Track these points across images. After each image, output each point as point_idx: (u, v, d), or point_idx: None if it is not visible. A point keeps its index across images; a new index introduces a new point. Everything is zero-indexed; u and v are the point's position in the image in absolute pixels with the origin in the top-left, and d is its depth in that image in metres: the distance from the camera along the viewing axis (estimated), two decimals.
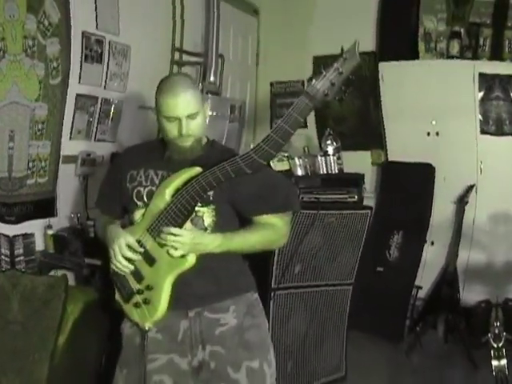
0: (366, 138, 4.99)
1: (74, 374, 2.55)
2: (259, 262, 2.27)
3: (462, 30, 4.45)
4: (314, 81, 1.71)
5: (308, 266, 3.49)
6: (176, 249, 1.88)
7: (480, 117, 4.35)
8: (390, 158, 4.85)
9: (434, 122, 4.51)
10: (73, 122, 3.58)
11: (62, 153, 3.53)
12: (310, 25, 5.11)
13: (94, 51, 3.61)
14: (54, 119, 3.40)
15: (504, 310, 3.57)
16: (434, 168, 4.51)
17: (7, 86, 3.05)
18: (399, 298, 4.39)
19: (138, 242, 1.95)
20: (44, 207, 3.45)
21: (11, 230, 3.16)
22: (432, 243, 4.58)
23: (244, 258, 2.17)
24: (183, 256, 1.90)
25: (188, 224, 1.92)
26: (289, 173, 3.56)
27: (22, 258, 3.15)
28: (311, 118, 5.11)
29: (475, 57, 4.40)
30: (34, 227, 3.35)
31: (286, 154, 3.51)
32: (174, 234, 1.87)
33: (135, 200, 2.05)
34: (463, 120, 4.37)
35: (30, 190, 3.32)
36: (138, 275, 1.97)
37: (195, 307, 2.00)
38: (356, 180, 3.76)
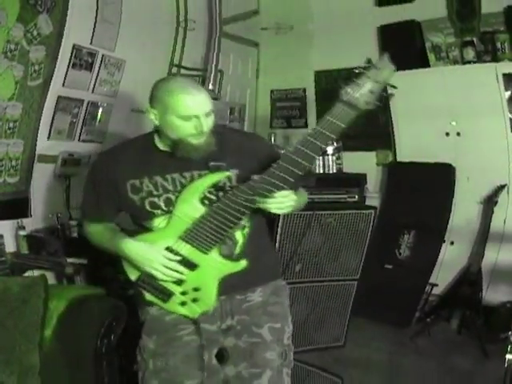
0: (371, 138, 4.96)
1: (68, 358, 2.57)
2: None
3: (475, 39, 4.44)
4: (348, 89, 1.72)
5: (309, 264, 3.54)
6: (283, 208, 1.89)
7: (510, 115, 4.29)
8: (398, 159, 4.84)
9: (453, 123, 4.48)
10: (52, 123, 3.61)
11: (37, 152, 3.53)
12: (310, 46, 5.15)
13: (83, 60, 3.66)
14: (29, 119, 3.41)
15: None
16: (454, 168, 4.46)
17: None
18: (409, 293, 4.37)
19: (171, 250, 1.94)
20: (15, 207, 3.42)
21: None
22: (452, 243, 4.53)
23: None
24: (236, 260, 1.93)
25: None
26: None
27: None
28: (312, 118, 5.14)
29: (495, 59, 4.37)
30: (4, 228, 3.30)
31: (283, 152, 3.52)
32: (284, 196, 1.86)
33: (149, 209, 1.99)
34: (489, 120, 4.32)
35: None
36: (177, 279, 1.97)
37: (226, 294, 2.05)
38: (357, 180, 3.78)
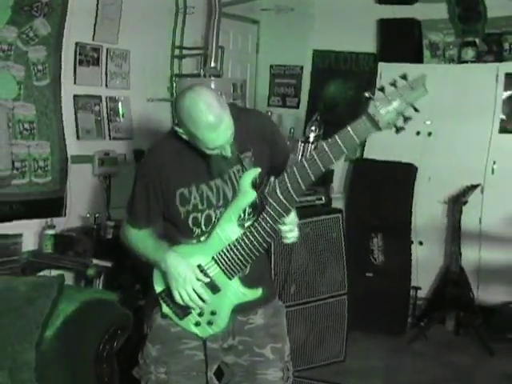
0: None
1: (68, 358, 2.56)
2: None
3: (477, 40, 4.43)
4: (377, 103, 1.60)
5: (301, 284, 3.45)
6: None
7: (503, 116, 4.29)
8: (365, 155, 4.69)
9: (428, 122, 4.42)
10: (76, 122, 3.65)
11: (69, 153, 3.58)
12: (310, 26, 5.07)
13: (89, 56, 3.69)
14: (48, 119, 3.45)
15: None
16: (417, 168, 4.42)
17: None
18: (396, 299, 4.30)
19: (201, 269, 1.89)
20: (46, 207, 3.46)
21: None
22: (420, 243, 4.49)
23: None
24: (252, 287, 1.92)
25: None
26: None
27: None
28: (304, 99, 5.12)
29: (499, 60, 4.38)
30: (26, 227, 3.34)
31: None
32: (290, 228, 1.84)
33: (191, 226, 1.93)
34: (473, 120, 4.28)
35: (18, 190, 3.32)
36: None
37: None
38: (324, 177, 3.39)
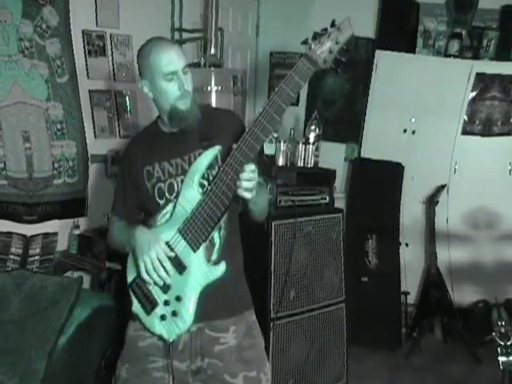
0: (347, 128, 4.88)
1: (74, 371, 2.55)
2: (256, 292, 2.18)
3: (464, 32, 4.44)
4: (312, 45, 1.78)
5: (301, 288, 3.35)
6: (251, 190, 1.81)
7: (465, 117, 4.32)
8: (362, 154, 4.70)
9: (413, 120, 4.45)
10: (93, 120, 3.62)
11: (89, 152, 3.56)
12: (311, 6, 5.02)
13: (96, 46, 3.64)
14: (73, 118, 3.44)
15: (506, 309, 3.64)
16: (404, 167, 4.42)
17: (6, 87, 3.08)
18: (389, 306, 4.29)
19: (169, 245, 1.88)
20: (73, 207, 3.49)
21: (29, 229, 3.20)
22: (407, 245, 4.49)
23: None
24: (215, 263, 1.87)
25: None
26: (272, 160, 3.42)
27: (37, 257, 3.18)
28: (303, 96, 5.02)
29: (476, 57, 4.38)
30: (60, 227, 3.38)
31: (275, 135, 3.39)
32: (252, 171, 1.80)
33: (157, 199, 1.98)
34: (444, 120, 4.32)
35: (57, 190, 3.38)
36: (164, 285, 1.89)
37: (197, 322, 1.92)
38: (328, 177, 3.54)
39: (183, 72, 1.91)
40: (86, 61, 3.56)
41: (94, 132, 3.63)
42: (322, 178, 3.53)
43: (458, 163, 4.32)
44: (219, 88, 3.84)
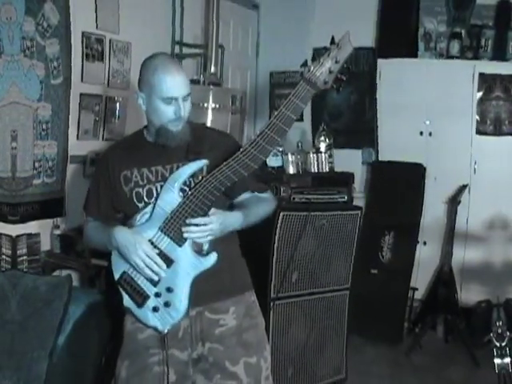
0: (359, 135, 5.00)
1: (74, 371, 2.53)
2: (258, 272, 2.22)
3: (463, 32, 4.46)
4: (312, 68, 1.76)
5: (305, 272, 3.44)
6: (205, 236, 1.86)
7: (477, 117, 4.37)
8: (380, 157, 4.85)
9: (427, 122, 4.53)
10: (79, 122, 3.61)
11: (70, 153, 3.56)
12: (310, 19, 5.11)
13: (94, 50, 3.64)
14: (59, 119, 3.44)
15: (505, 310, 3.65)
16: (425, 168, 4.51)
17: (5, 87, 3.07)
18: (396, 300, 4.38)
19: (152, 242, 1.91)
20: (52, 207, 3.47)
21: (14, 230, 3.18)
22: (424, 243, 4.58)
23: (242, 257, 2.16)
24: (206, 254, 1.89)
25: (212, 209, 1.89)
26: (280, 170, 3.52)
27: (25, 257, 3.17)
28: (307, 112, 5.07)
29: (476, 57, 4.41)
30: (41, 227, 3.37)
31: (280, 149, 3.47)
32: (202, 224, 1.84)
33: (136, 202, 2.00)
34: (458, 120, 4.39)
35: (36, 190, 3.35)
36: (153, 278, 1.91)
37: (196, 306, 1.96)
38: (346, 179, 3.70)
39: (183, 99, 1.92)
40: (82, 64, 3.57)
41: (78, 134, 3.63)
42: (339, 180, 3.67)
43: (477, 163, 4.36)
44: (217, 106, 3.89)
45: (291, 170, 3.56)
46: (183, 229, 1.86)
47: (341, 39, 1.76)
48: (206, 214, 1.87)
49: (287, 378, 3.42)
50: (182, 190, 1.92)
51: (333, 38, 1.78)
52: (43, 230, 3.39)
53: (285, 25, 5.18)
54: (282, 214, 3.25)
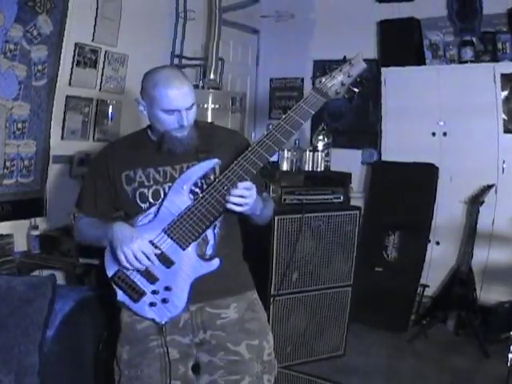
0: (360, 136, 4.99)
1: (69, 359, 2.56)
2: (258, 270, 2.24)
3: (474, 39, 4.44)
4: (323, 79, 1.91)
5: (305, 272, 3.48)
6: (243, 205, 1.85)
7: (504, 116, 4.31)
8: (383, 158, 4.85)
9: (441, 123, 4.52)
10: (64, 123, 3.65)
11: (52, 153, 3.57)
12: (310, 37, 5.15)
13: (87, 58, 3.70)
14: (39, 119, 3.45)
15: None
16: (438, 168, 4.49)
17: None
18: (402, 295, 4.35)
19: (153, 243, 1.89)
20: (29, 207, 3.45)
21: None
22: (438, 243, 4.55)
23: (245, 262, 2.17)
24: (209, 259, 1.90)
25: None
26: (274, 166, 3.51)
27: None
28: None
29: (494, 60, 4.39)
30: (15, 228, 3.35)
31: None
32: (247, 189, 1.83)
33: (139, 203, 1.97)
34: (480, 120, 4.35)
35: (7, 190, 3.33)
36: (151, 276, 1.91)
37: (197, 302, 1.97)
38: (342, 179, 3.68)
39: (187, 109, 1.89)
40: (71, 69, 3.62)
41: (63, 134, 3.66)
42: (335, 179, 3.68)
43: (506, 162, 4.29)
44: (216, 106, 3.92)
45: (285, 166, 3.56)
46: (227, 197, 1.83)
47: (353, 58, 1.92)
48: (216, 220, 1.88)
49: (286, 354, 3.49)
50: (192, 191, 1.91)
51: (344, 57, 1.96)
52: (18, 231, 3.37)
53: (284, 44, 5.22)
54: (276, 218, 3.30)
